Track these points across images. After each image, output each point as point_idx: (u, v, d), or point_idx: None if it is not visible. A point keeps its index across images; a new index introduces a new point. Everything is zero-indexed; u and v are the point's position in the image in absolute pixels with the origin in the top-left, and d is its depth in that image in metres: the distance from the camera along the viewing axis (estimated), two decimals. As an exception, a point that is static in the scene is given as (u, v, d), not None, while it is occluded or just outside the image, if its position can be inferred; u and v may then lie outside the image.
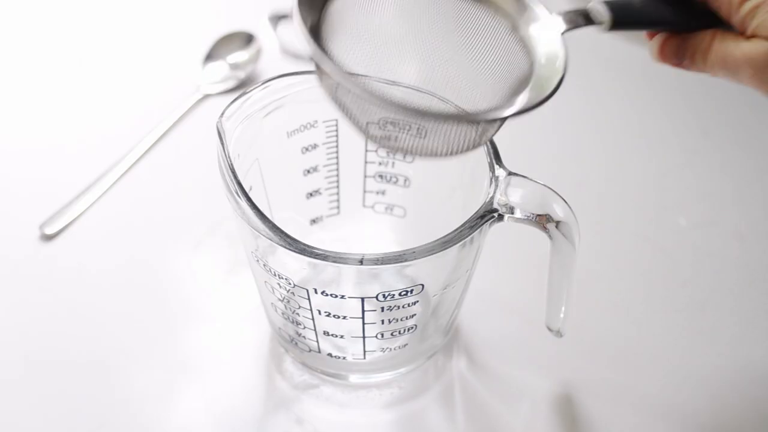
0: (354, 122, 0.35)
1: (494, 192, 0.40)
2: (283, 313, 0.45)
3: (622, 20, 0.38)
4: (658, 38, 0.41)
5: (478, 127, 0.35)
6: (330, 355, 0.47)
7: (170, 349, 0.51)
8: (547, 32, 0.36)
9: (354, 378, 0.49)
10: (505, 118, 0.34)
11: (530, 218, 0.41)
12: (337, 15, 0.36)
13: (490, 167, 0.41)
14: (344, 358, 0.47)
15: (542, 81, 0.35)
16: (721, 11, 0.39)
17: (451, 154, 0.36)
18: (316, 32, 0.34)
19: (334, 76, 0.33)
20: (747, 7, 0.37)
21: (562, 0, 0.63)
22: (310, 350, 0.47)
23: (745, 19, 0.37)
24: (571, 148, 0.64)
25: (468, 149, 0.36)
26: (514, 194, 0.41)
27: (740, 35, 0.38)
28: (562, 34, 0.36)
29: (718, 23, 0.39)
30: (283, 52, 0.32)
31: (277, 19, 0.33)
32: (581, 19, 0.37)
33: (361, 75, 0.38)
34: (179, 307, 0.53)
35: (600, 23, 0.38)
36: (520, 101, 0.35)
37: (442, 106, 0.39)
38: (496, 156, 0.41)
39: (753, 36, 0.37)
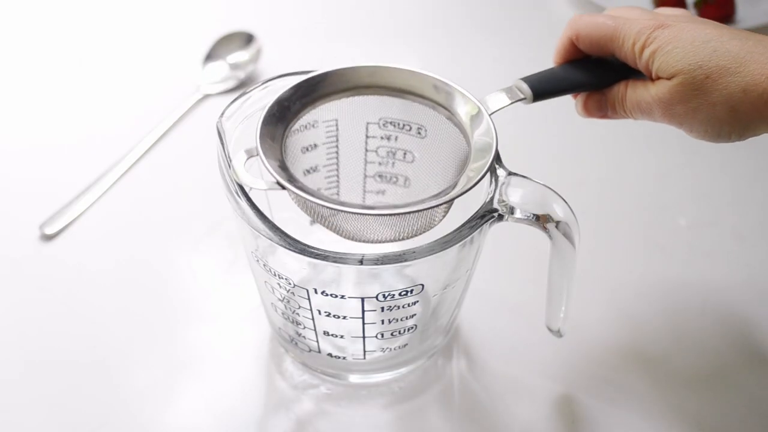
0: (322, 222, 0.41)
1: (494, 192, 0.40)
2: (283, 313, 0.45)
3: (542, 92, 0.43)
4: (581, 97, 0.45)
5: (428, 212, 0.40)
6: (330, 355, 0.47)
7: (171, 348, 0.51)
8: (478, 115, 0.41)
9: (354, 378, 0.49)
10: (450, 201, 0.38)
11: (530, 218, 0.41)
12: (298, 137, 0.42)
13: (490, 167, 0.41)
14: (344, 358, 0.47)
15: (479, 158, 0.40)
16: (628, 61, 0.42)
17: (415, 235, 0.41)
18: (282, 161, 0.40)
19: (299, 197, 0.38)
20: (646, 53, 0.40)
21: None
22: (310, 350, 0.47)
23: (647, 64, 0.41)
24: (571, 148, 0.64)
25: (426, 229, 0.41)
26: (514, 194, 0.40)
27: (648, 80, 0.41)
28: (491, 114, 0.41)
29: (630, 74, 0.43)
30: (250, 186, 0.39)
31: (250, 153, 0.39)
32: (507, 97, 0.42)
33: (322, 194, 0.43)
34: (179, 307, 0.53)
35: (522, 99, 0.43)
36: (462, 182, 0.39)
37: (398, 202, 0.44)
38: (495, 156, 0.41)
39: (657, 78, 0.41)
